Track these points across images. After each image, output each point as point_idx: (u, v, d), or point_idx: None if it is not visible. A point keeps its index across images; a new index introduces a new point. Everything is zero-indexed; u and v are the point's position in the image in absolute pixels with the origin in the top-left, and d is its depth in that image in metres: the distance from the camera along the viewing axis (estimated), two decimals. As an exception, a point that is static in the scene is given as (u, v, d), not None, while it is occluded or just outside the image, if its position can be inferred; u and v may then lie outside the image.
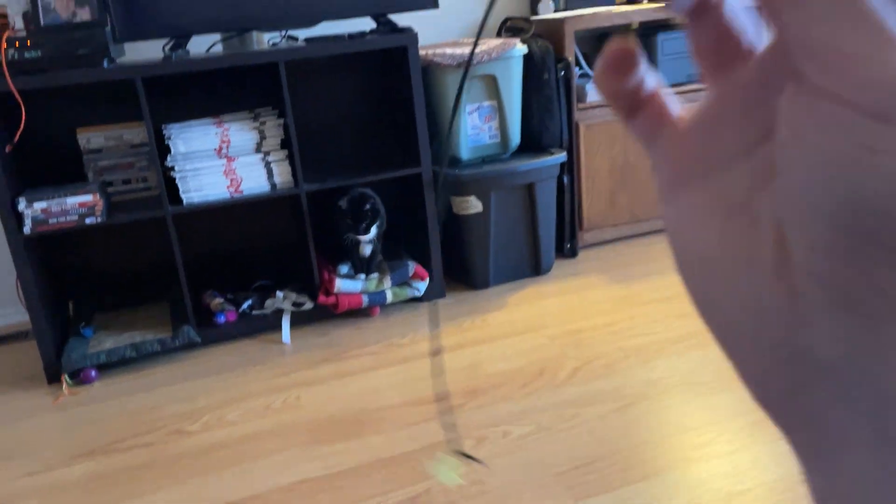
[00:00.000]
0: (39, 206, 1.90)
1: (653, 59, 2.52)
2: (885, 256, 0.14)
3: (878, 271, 0.14)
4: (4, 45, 1.79)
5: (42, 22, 1.89)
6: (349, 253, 2.22)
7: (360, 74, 2.43)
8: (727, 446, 1.44)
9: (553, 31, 2.40)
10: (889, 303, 0.14)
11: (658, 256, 2.46)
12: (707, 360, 1.77)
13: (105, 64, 1.89)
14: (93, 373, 1.98)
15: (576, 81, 2.41)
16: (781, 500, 1.28)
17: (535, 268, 2.40)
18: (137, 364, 2.06)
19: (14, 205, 1.89)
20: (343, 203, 2.09)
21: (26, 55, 1.82)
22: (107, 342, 2.05)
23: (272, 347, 2.09)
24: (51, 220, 1.91)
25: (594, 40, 2.77)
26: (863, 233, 0.14)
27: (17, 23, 2.03)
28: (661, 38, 2.50)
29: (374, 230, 2.14)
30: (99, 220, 1.95)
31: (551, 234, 2.39)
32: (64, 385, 1.96)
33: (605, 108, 2.45)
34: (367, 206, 2.10)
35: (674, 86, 2.55)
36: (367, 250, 2.19)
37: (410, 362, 1.91)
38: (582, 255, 2.55)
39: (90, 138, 2.13)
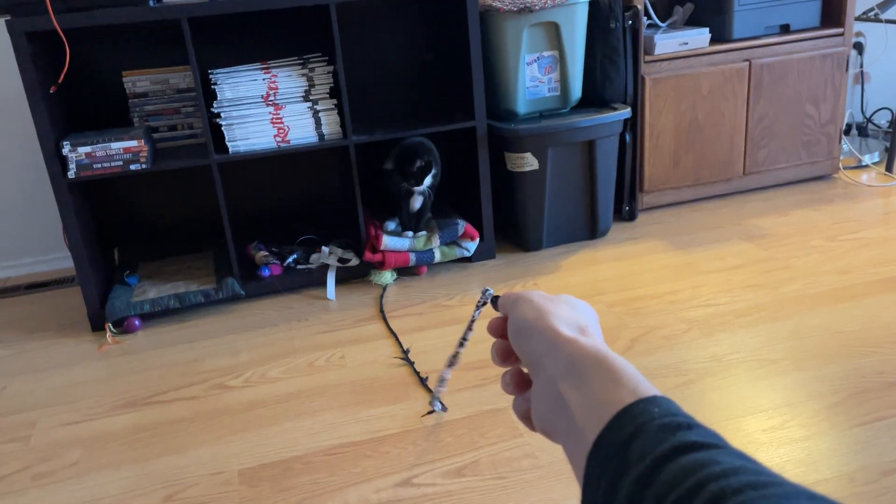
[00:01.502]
0: (84, 150, 1.85)
1: (728, 9, 2.34)
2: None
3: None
4: (48, -20, 1.72)
5: (87, -43, 1.81)
6: (398, 208, 2.13)
7: (415, 19, 2.31)
8: (801, 431, 1.33)
9: (621, -24, 2.23)
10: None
11: (723, 223, 2.32)
12: (777, 335, 1.65)
13: (151, 2, 1.81)
14: (136, 322, 1.96)
15: (644, 32, 2.25)
16: (861, 493, 1.18)
17: (592, 230, 2.28)
18: (181, 315, 2.02)
19: (58, 148, 1.84)
20: (388, 164, 2.00)
21: (70, -8, 1.75)
22: (150, 291, 2.02)
23: (316, 303, 2.03)
24: (95, 166, 1.87)
25: (664, -12, 2.59)
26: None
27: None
28: (739, -13, 2.31)
29: (427, 180, 2.04)
30: (144, 166, 1.90)
31: (610, 196, 2.26)
32: (108, 333, 1.93)
33: (674, 61, 2.29)
34: (419, 164, 1.99)
35: (750, 39, 2.37)
36: (416, 203, 2.10)
37: (458, 324, 1.83)
38: (641, 218, 2.42)
39: (136, 82, 2.07)
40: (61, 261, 2.43)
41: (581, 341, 0.47)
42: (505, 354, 0.55)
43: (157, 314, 2.01)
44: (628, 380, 0.43)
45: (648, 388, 0.42)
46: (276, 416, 1.53)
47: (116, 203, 2.25)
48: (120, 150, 1.87)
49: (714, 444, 0.36)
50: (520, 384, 0.53)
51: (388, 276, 2.10)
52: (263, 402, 1.58)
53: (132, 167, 1.89)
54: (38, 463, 1.45)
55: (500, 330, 0.55)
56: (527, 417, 0.51)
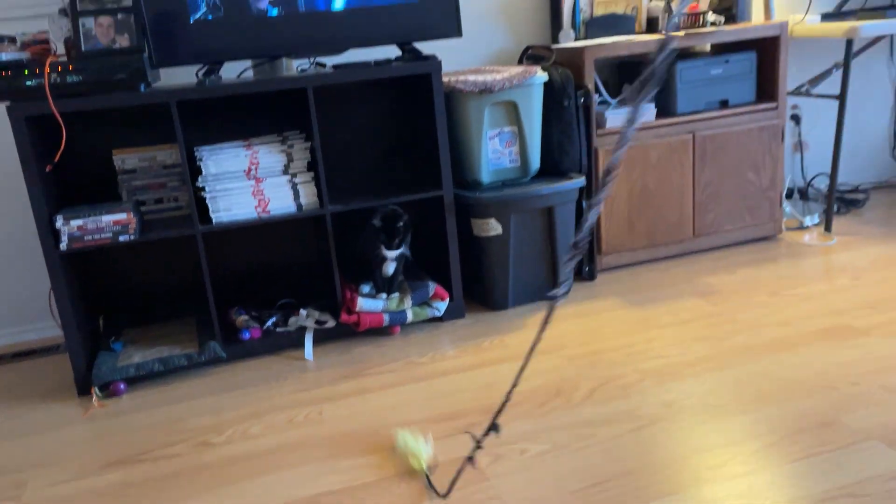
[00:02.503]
0: (76, 223, 1.97)
1: (671, 87, 2.57)
2: None
3: None
4: (48, 69, 1.88)
5: (83, 48, 1.98)
6: (372, 272, 2.27)
7: (385, 99, 2.51)
8: (742, 468, 1.46)
9: (573, 59, 2.46)
10: None
11: (675, 281, 2.48)
12: (723, 382, 1.79)
13: (142, 88, 1.98)
14: (122, 386, 2.04)
15: (595, 108, 2.46)
16: (795, 522, 1.30)
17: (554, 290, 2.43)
18: (165, 378, 2.11)
19: (52, 222, 1.96)
20: (376, 221, 2.15)
21: (68, 79, 1.91)
22: (135, 356, 2.11)
23: (295, 364, 2.14)
24: (86, 238, 1.99)
25: (613, 68, 2.83)
26: None
27: (59, 48, 2.12)
28: (680, 67, 2.55)
29: (403, 246, 2.20)
30: (132, 237, 2.02)
31: (570, 257, 2.43)
32: (94, 397, 2.02)
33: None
34: (401, 223, 2.15)
35: (693, 113, 2.59)
36: (390, 269, 2.24)
37: (430, 380, 1.95)
38: (600, 278, 2.59)
39: (125, 159, 2.21)
40: (46, 329, 2.51)
41: None
42: None
43: (142, 378, 2.10)
44: None
45: None
46: (258, 469, 1.62)
47: (103, 271, 2.36)
48: (110, 223, 2.00)
49: None
50: None
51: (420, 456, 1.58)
52: (245, 457, 1.67)
53: (121, 238, 2.01)
54: (29, 520, 1.52)
55: None
56: None
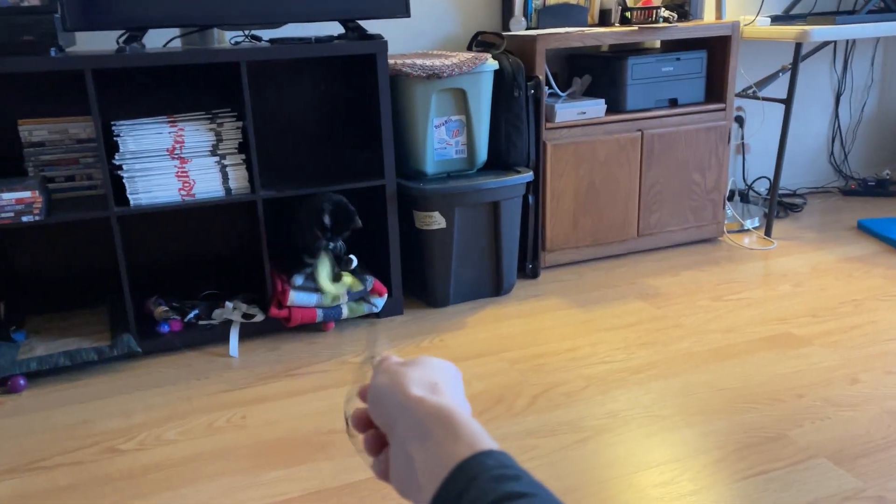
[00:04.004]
0: (-29, 200, 1.76)
1: (622, 83, 2.50)
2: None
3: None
4: (-59, 25, 1.66)
5: (-15, 3, 1.76)
6: (306, 259, 2.13)
7: (326, 80, 2.35)
8: (690, 485, 1.40)
9: (524, 48, 2.36)
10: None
11: (619, 282, 2.43)
12: (669, 392, 1.73)
13: (52, 53, 1.77)
14: (21, 381, 1.85)
15: (545, 101, 2.37)
16: (744, 545, 1.24)
17: (497, 287, 2.34)
18: (71, 373, 1.93)
19: (-57, 197, 1.75)
20: (325, 218, 2.01)
21: (-35, 38, 1.69)
22: (39, 348, 1.92)
23: (218, 361, 1.98)
24: (-17, 216, 1.78)
25: (564, 60, 2.75)
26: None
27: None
28: (631, 62, 2.48)
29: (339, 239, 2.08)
30: (37, 218, 1.82)
31: (514, 254, 2.34)
32: (-12, 394, 1.82)
33: (573, 129, 2.42)
34: (353, 209, 2.02)
35: (642, 111, 2.54)
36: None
37: (364, 381, 1.83)
38: (543, 276, 2.51)
39: (32, 131, 1.99)
40: (-62, 314, 2.27)
41: (428, 400, 0.48)
42: (365, 423, 0.56)
43: (45, 373, 1.90)
44: (467, 434, 0.44)
45: (487, 442, 0.44)
46: (171, 481, 1.47)
47: (4, 252, 2.14)
48: (11, 201, 1.79)
49: (534, 493, 0.40)
50: (377, 446, 0.55)
51: None
52: (157, 466, 1.52)
53: (24, 219, 1.81)
54: None
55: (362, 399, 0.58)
56: (387, 477, 0.52)
